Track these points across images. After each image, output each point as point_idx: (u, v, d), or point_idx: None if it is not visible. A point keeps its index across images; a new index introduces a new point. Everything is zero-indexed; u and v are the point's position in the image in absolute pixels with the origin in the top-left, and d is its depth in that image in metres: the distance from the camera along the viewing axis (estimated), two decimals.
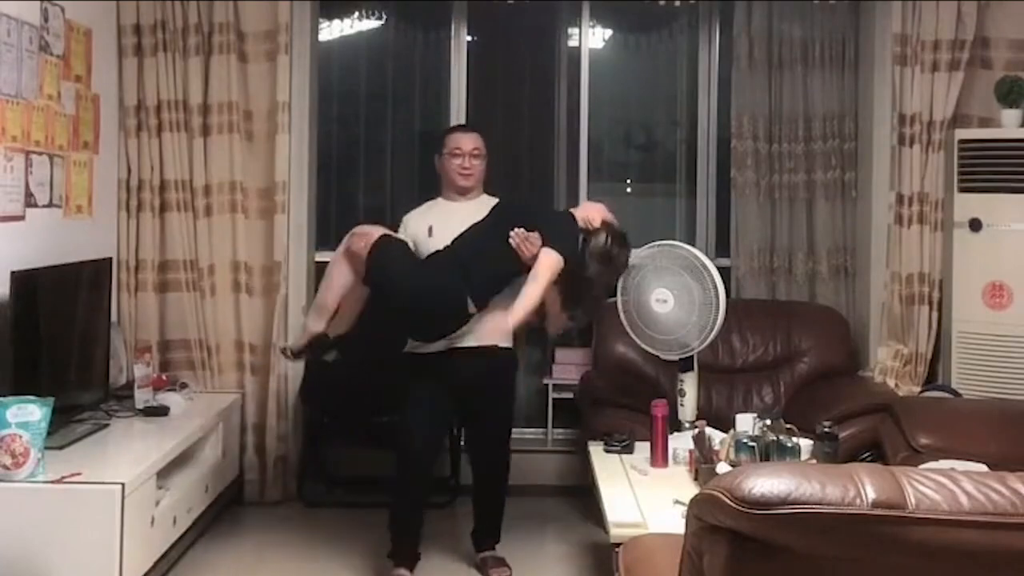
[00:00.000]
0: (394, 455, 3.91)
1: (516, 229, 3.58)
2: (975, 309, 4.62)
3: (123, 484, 3.27)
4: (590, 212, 3.80)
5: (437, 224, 3.85)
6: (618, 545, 2.80)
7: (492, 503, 4.06)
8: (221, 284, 4.80)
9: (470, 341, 3.75)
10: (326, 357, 4.01)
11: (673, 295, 4.18)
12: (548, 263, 3.54)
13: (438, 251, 3.71)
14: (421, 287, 3.63)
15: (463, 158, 3.94)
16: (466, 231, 3.73)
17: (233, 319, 4.81)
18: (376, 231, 3.70)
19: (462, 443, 4.73)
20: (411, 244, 3.84)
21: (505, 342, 3.85)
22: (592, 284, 3.71)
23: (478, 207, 3.88)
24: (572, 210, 3.85)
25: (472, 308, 3.61)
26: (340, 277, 3.75)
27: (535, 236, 3.58)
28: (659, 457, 3.79)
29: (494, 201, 3.98)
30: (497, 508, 4.06)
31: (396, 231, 3.94)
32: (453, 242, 3.70)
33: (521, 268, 3.60)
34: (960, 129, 4.74)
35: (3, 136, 3.67)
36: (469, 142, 3.98)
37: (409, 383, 3.86)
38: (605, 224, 3.74)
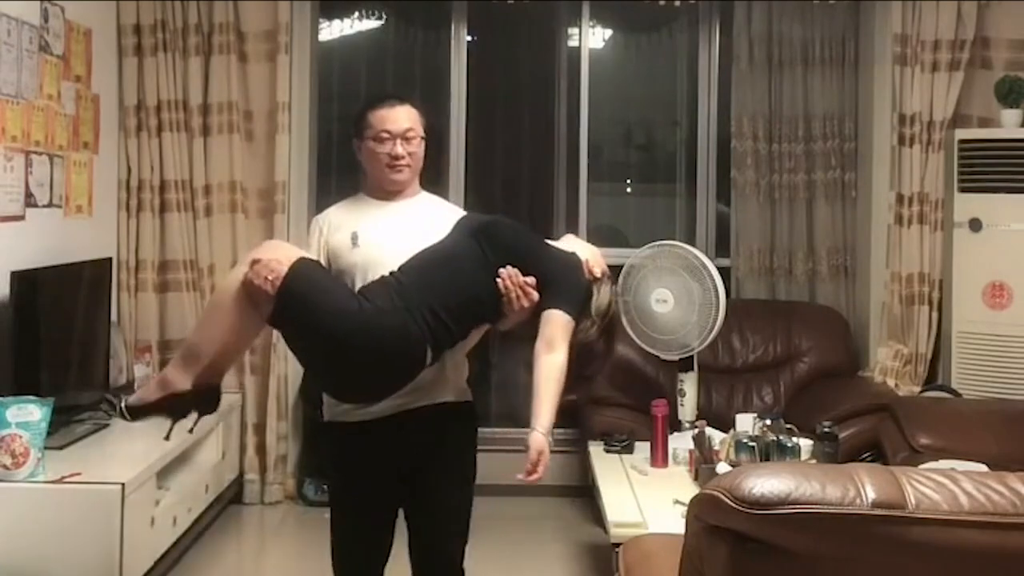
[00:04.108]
0: None
1: (508, 268, 2.57)
2: (975, 309, 4.62)
3: (123, 484, 3.27)
4: (591, 257, 2.74)
5: (364, 232, 2.71)
6: (618, 545, 2.81)
7: None
8: None
9: (422, 399, 2.66)
10: (183, 421, 2.62)
11: (673, 295, 4.19)
12: (565, 328, 2.54)
13: (383, 278, 2.58)
14: (364, 332, 2.49)
15: (393, 142, 2.71)
16: (426, 252, 2.61)
17: None
18: (286, 256, 2.51)
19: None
20: (324, 257, 2.73)
21: (463, 396, 2.78)
22: (591, 354, 2.80)
23: (418, 209, 2.80)
24: (575, 249, 2.75)
25: (429, 359, 2.53)
26: (230, 316, 2.52)
27: (532, 287, 2.57)
28: (659, 457, 3.79)
29: (440, 202, 2.90)
30: None
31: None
32: (403, 268, 2.59)
33: (499, 315, 2.62)
34: (960, 129, 4.74)
35: (3, 136, 3.67)
36: (400, 120, 2.72)
37: (333, 473, 2.84)
38: (605, 276, 2.76)
